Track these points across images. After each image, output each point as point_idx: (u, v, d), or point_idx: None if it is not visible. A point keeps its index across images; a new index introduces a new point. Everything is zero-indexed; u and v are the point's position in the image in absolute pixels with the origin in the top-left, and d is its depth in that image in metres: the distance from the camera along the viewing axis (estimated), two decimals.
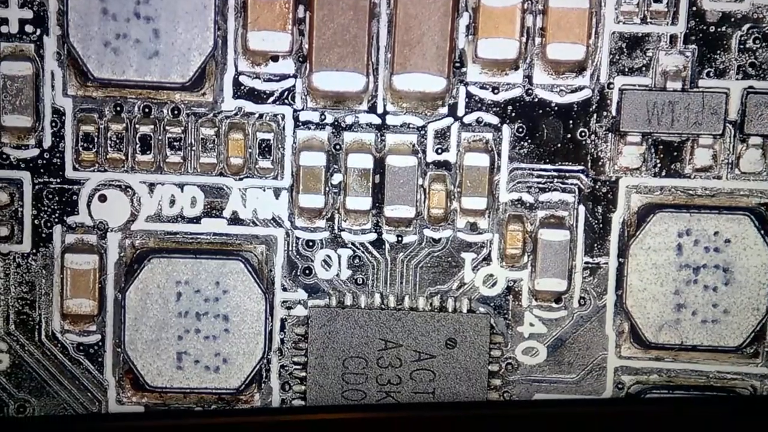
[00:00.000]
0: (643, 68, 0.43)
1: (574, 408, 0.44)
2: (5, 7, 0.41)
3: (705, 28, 0.43)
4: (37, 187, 0.43)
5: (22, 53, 0.41)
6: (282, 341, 0.44)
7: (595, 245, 0.44)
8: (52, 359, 0.44)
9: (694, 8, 0.42)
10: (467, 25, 0.42)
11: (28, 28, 0.42)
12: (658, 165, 0.44)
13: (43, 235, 0.43)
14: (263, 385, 0.43)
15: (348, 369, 0.43)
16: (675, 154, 0.44)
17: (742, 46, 0.43)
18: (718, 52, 0.43)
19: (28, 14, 0.41)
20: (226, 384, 0.44)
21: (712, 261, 0.43)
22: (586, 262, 0.44)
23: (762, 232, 0.42)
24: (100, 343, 0.44)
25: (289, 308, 0.44)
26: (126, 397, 0.43)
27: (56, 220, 0.43)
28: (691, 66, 0.43)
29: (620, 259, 0.44)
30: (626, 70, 0.43)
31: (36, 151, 0.43)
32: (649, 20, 0.43)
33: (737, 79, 0.43)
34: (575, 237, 0.44)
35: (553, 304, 0.44)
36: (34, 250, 0.43)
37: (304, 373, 0.43)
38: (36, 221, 0.43)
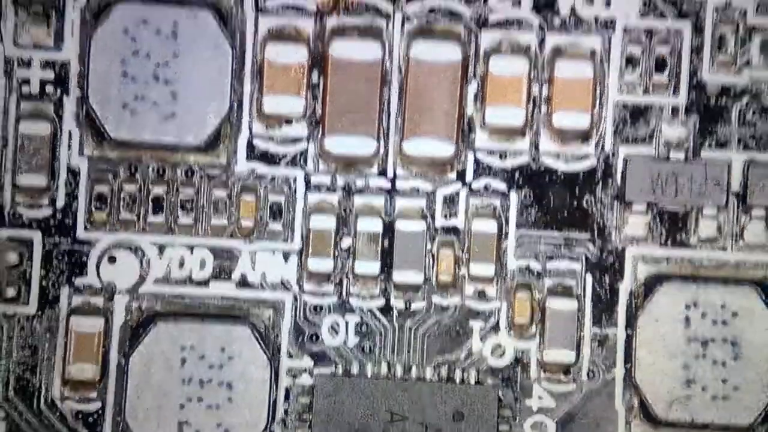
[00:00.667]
0: (647, 138, 0.44)
1: None
2: (28, 68, 0.42)
3: (706, 99, 0.43)
4: (47, 247, 0.42)
5: (41, 113, 0.42)
6: (286, 412, 0.42)
7: (603, 315, 0.44)
8: (50, 428, 0.42)
9: (695, 80, 0.43)
10: (475, 93, 0.43)
11: (49, 89, 0.42)
12: (664, 235, 0.44)
13: (50, 297, 0.42)
14: None
15: None
16: (680, 224, 0.44)
17: (741, 119, 0.44)
18: (719, 124, 0.44)
19: (49, 75, 0.42)
20: None
21: (720, 334, 0.42)
22: (595, 333, 0.43)
23: None
24: (100, 411, 0.42)
25: (294, 376, 0.43)
26: None
27: (64, 281, 0.43)
28: (693, 136, 0.44)
29: (628, 331, 0.43)
30: (630, 139, 0.44)
31: (48, 211, 0.43)
32: (651, 91, 0.44)
33: (738, 150, 0.43)
34: (583, 306, 0.43)
35: (562, 377, 0.43)
36: (40, 312, 0.42)
37: None
38: (44, 282, 0.42)
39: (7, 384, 0.42)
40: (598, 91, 0.42)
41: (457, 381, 0.42)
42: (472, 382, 0.42)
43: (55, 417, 0.42)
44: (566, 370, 0.43)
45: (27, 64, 0.41)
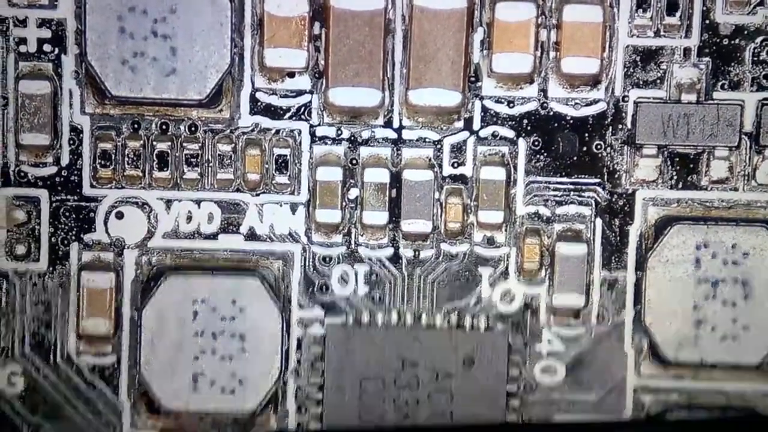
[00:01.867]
0: (658, 81, 0.42)
1: (594, 430, 0.42)
2: (24, 26, 0.40)
3: (718, 41, 0.42)
4: (54, 204, 0.42)
5: (40, 72, 0.40)
6: (298, 361, 0.42)
7: (613, 258, 0.43)
8: (68, 382, 0.42)
9: (707, 21, 0.41)
10: (482, 40, 0.41)
11: (47, 47, 0.41)
12: (675, 177, 0.42)
13: (60, 253, 0.42)
14: (279, 407, 0.41)
15: (365, 390, 0.41)
16: (691, 166, 0.42)
17: (755, 59, 0.42)
18: (732, 64, 0.42)
19: (46, 34, 0.41)
20: (242, 407, 0.42)
21: (730, 274, 0.41)
22: (604, 277, 0.42)
23: None
24: (116, 364, 0.42)
25: (305, 327, 0.42)
26: (141, 421, 0.41)
27: (73, 237, 0.42)
28: (705, 78, 0.42)
29: (638, 273, 0.42)
30: (641, 83, 0.42)
31: (54, 169, 0.42)
32: (662, 33, 0.42)
33: (752, 91, 0.41)
34: (593, 250, 0.42)
35: (572, 320, 0.43)
36: (51, 269, 0.42)
37: (320, 395, 0.41)
38: (53, 239, 0.42)
39: (23, 340, 0.42)
40: (607, 35, 0.40)
41: (467, 327, 0.42)
42: (482, 328, 0.42)
43: (72, 371, 0.42)
44: (576, 314, 0.42)
45: (23, 23, 0.40)
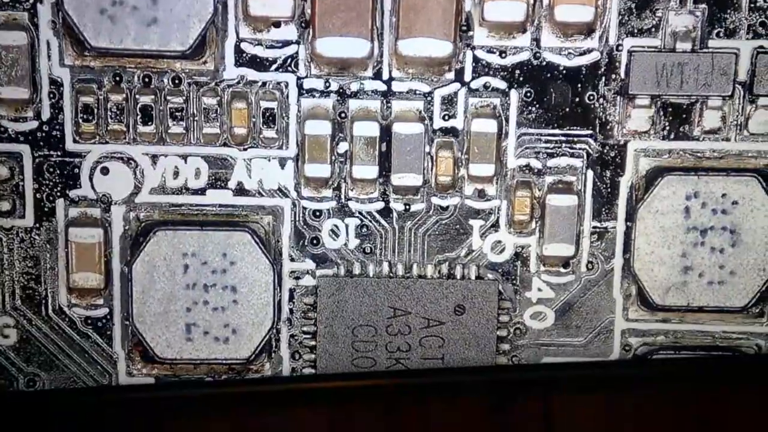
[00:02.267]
0: (653, 29, 0.38)
1: (582, 371, 0.40)
2: None
3: None
4: (37, 160, 0.38)
5: (15, 22, 0.36)
6: (291, 311, 0.39)
7: (603, 210, 0.40)
8: (60, 333, 0.39)
9: None
10: None
11: None
12: (667, 128, 0.39)
13: (46, 209, 0.38)
14: (273, 354, 0.39)
15: (357, 337, 0.39)
16: (684, 116, 0.39)
17: (752, 5, 0.38)
18: (729, 11, 0.38)
19: None
20: (236, 354, 0.39)
21: (719, 223, 0.39)
22: (594, 227, 0.39)
23: None
24: (108, 317, 0.39)
25: (297, 278, 0.39)
26: (136, 369, 0.39)
27: (58, 193, 0.38)
28: (701, 26, 0.38)
29: (628, 223, 0.39)
30: (635, 31, 0.38)
31: (35, 124, 0.38)
32: None
33: (747, 39, 0.37)
34: (583, 202, 0.39)
35: (561, 269, 0.40)
36: (38, 225, 0.38)
37: (313, 342, 0.39)
38: (38, 195, 0.38)
39: (14, 293, 0.38)
40: None
41: (458, 277, 0.39)
42: (473, 277, 0.39)
43: (65, 323, 0.39)
44: (565, 263, 0.40)
45: None
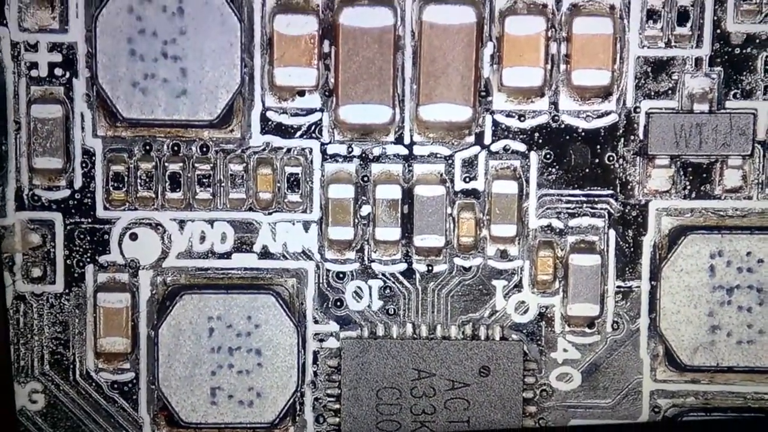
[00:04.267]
0: (669, 91, 0.42)
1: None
2: (35, 51, 0.41)
3: (730, 50, 0.42)
4: (68, 227, 0.43)
5: (51, 96, 0.41)
6: (315, 374, 0.43)
7: (627, 269, 0.43)
8: (87, 398, 0.43)
9: (719, 31, 0.41)
10: (492, 55, 0.41)
11: (58, 72, 0.41)
12: (688, 187, 0.43)
13: (76, 275, 0.43)
14: (297, 418, 0.43)
15: (382, 400, 0.43)
16: (704, 175, 0.43)
17: (767, 67, 0.42)
18: (744, 73, 0.42)
19: (57, 58, 0.41)
20: (261, 418, 0.43)
21: (745, 281, 0.42)
22: (618, 286, 0.43)
23: None
24: (134, 381, 0.43)
25: (321, 341, 0.43)
26: None
27: (88, 259, 0.43)
28: (717, 88, 0.42)
29: (652, 282, 0.43)
30: (652, 93, 0.43)
31: (67, 192, 0.42)
32: (673, 44, 0.42)
33: (765, 99, 0.42)
34: (606, 261, 0.43)
35: (586, 329, 0.43)
36: (67, 290, 0.43)
37: (338, 405, 0.42)
38: (68, 261, 0.43)
39: (42, 359, 0.43)
40: (618, 47, 0.41)
41: (482, 338, 0.43)
42: (497, 338, 0.43)
43: (91, 387, 0.43)
44: (590, 323, 0.43)
45: (34, 47, 0.40)
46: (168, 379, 0.43)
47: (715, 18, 0.41)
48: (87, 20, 0.40)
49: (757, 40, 0.41)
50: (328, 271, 0.43)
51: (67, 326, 0.43)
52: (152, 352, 0.42)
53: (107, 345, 0.42)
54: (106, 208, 0.42)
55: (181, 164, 0.42)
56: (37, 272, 0.43)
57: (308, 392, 0.43)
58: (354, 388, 0.42)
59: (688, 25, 0.41)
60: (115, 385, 0.43)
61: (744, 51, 0.42)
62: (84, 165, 0.43)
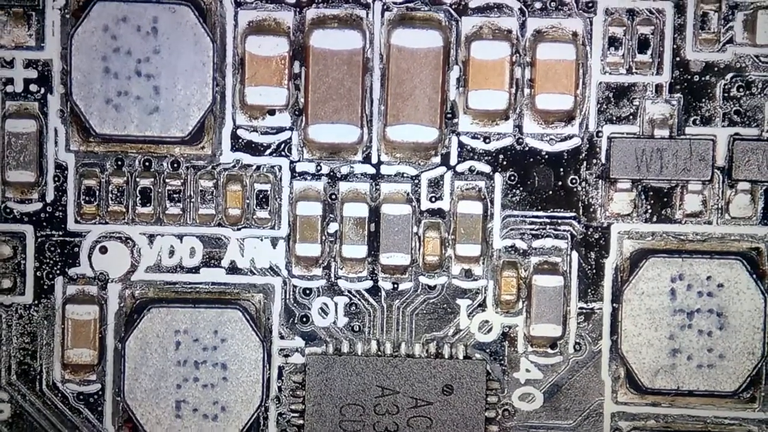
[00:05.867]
0: (631, 117, 0.46)
1: None
2: (11, 67, 0.44)
3: (689, 77, 0.45)
4: (39, 240, 0.45)
5: (26, 111, 0.44)
6: (279, 389, 0.46)
7: (589, 291, 0.46)
8: (53, 409, 0.45)
9: (678, 59, 0.45)
10: (458, 78, 0.45)
11: (33, 87, 0.44)
12: (649, 211, 0.46)
13: (45, 287, 0.46)
14: None
15: (345, 416, 0.45)
16: (665, 200, 0.46)
17: (726, 95, 0.45)
18: (704, 100, 0.45)
19: (32, 74, 0.44)
20: None
21: (705, 305, 0.44)
22: (581, 308, 0.46)
23: (754, 276, 0.44)
24: (100, 392, 0.45)
25: (286, 356, 0.46)
26: None
27: (58, 271, 0.46)
28: (677, 114, 0.45)
29: (614, 305, 0.45)
30: (614, 118, 0.46)
31: (39, 205, 0.45)
32: (634, 71, 0.45)
33: (723, 126, 0.45)
34: (569, 283, 0.46)
35: (549, 350, 0.46)
36: (36, 302, 0.45)
37: (301, 421, 0.45)
38: (38, 273, 0.45)
39: (10, 369, 0.45)
40: (580, 73, 0.44)
41: (446, 356, 0.45)
42: (461, 357, 0.46)
43: (57, 398, 0.46)
44: (553, 344, 0.46)
45: (10, 63, 0.43)
46: (133, 392, 0.45)
47: (675, 46, 0.44)
48: (63, 38, 0.43)
49: (716, 68, 0.44)
50: (294, 287, 0.46)
51: (35, 337, 0.45)
52: (119, 365, 0.45)
53: (74, 356, 0.45)
54: (77, 222, 0.45)
55: (152, 179, 0.45)
56: (7, 283, 0.45)
57: (272, 407, 0.45)
58: (318, 404, 0.44)
59: (649, 52, 0.44)
60: (81, 397, 0.45)
61: (703, 78, 0.45)
62: (56, 179, 0.45)
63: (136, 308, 0.44)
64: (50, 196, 0.44)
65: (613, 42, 0.43)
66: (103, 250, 0.44)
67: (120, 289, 0.44)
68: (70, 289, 0.44)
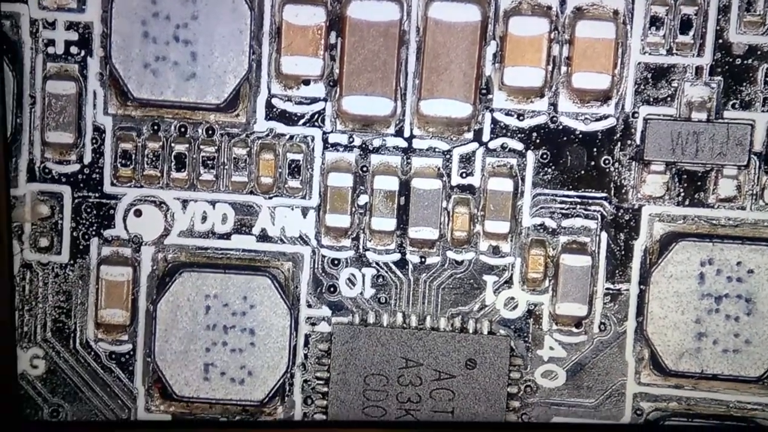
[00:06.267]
0: (668, 98, 0.45)
1: None
2: (52, 29, 0.44)
3: (731, 60, 0.45)
4: (76, 200, 0.46)
5: (66, 73, 0.45)
6: (306, 356, 0.46)
7: (617, 272, 0.46)
8: (86, 366, 0.46)
9: (721, 41, 0.44)
10: (494, 53, 0.44)
11: (73, 50, 0.45)
12: (682, 194, 0.45)
13: (81, 247, 0.46)
14: (286, 398, 0.46)
15: (369, 386, 0.45)
16: (699, 183, 0.45)
17: (767, 79, 0.44)
18: (744, 84, 0.45)
19: (73, 36, 0.45)
20: (251, 396, 0.46)
21: (734, 291, 0.44)
22: (607, 288, 0.46)
23: None
24: (131, 353, 0.46)
25: (313, 324, 0.46)
26: (154, 405, 0.46)
27: (93, 232, 0.46)
28: (716, 97, 0.45)
29: (641, 287, 0.45)
30: (651, 100, 0.45)
31: (77, 167, 0.46)
32: (675, 51, 0.45)
33: (763, 111, 0.44)
34: (597, 263, 0.46)
35: (574, 329, 0.46)
36: (72, 261, 0.46)
37: (326, 389, 0.45)
38: (74, 233, 0.46)
39: (45, 326, 0.46)
40: (619, 52, 0.44)
41: (471, 331, 0.46)
42: (485, 332, 0.46)
43: (90, 356, 0.47)
44: (578, 323, 0.46)
45: (51, 25, 0.44)
46: (163, 353, 0.46)
47: (718, 28, 0.44)
48: (104, 1, 0.44)
49: (759, 52, 0.44)
50: (323, 257, 0.46)
51: (70, 296, 0.46)
52: (150, 326, 0.46)
53: (107, 316, 0.46)
54: (113, 184, 0.46)
55: (187, 145, 0.46)
56: (44, 242, 0.46)
57: (298, 374, 0.46)
58: (342, 373, 0.45)
59: (691, 33, 0.44)
60: (113, 356, 0.46)
61: (745, 62, 0.44)
62: (94, 141, 0.46)
63: (168, 271, 0.45)
64: (88, 158, 0.44)
65: (654, 21, 0.42)
66: (138, 213, 0.45)
67: (153, 252, 0.45)
68: (104, 250, 0.45)
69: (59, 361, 0.45)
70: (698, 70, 0.43)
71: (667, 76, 0.43)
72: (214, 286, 0.44)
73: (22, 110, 0.43)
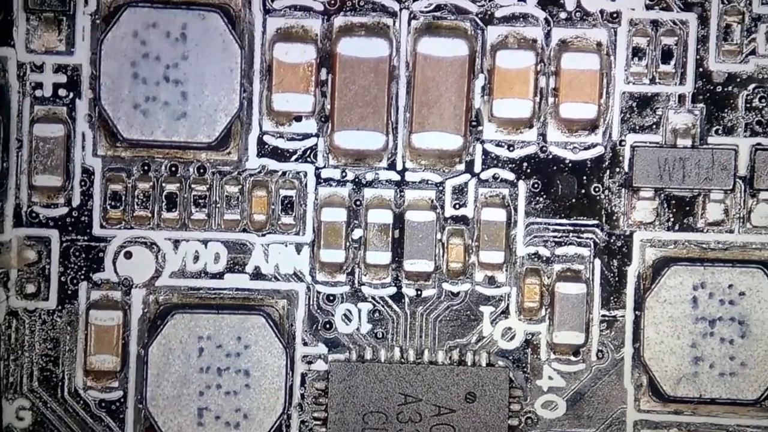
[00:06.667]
0: (654, 126, 0.46)
1: None
2: (40, 72, 0.44)
3: (712, 88, 0.46)
4: (65, 244, 0.46)
5: (54, 116, 0.44)
6: (302, 396, 0.46)
7: (612, 298, 0.46)
8: (74, 416, 0.45)
9: (701, 69, 0.45)
10: (483, 86, 0.45)
11: (62, 92, 0.45)
12: (671, 219, 0.46)
13: (69, 292, 0.46)
14: None
15: (368, 424, 0.45)
16: (687, 208, 0.46)
17: (748, 105, 0.46)
18: (726, 110, 0.46)
19: (62, 79, 0.45)
20: None
21: (727, 314, 0.44)
22: (603, 315, 0.46)
23: None
24: (122, 399, 0.45)
25: (309, 363, 0.46)
26: None
27: (82, 276, 0.46)
28: (700, 124, 0.46)
29: (636, 312, 0.46)
30: (637, 127, 0.46)
31: (65, 210, 0.46)
32: (657, 81, 0.46)
33: (745, 136, 0.45)
34: (592, 290, 0.46)
35: (572, 357, 0.46)
36: (60, 307, 0.46)
37: (324, 429, 0.45)
38: (62, 278, 0.46)
39: (32, 375, 0.45)
40: (604, 82, 0.45)
41: (469, 363, 0.46)
42: (484, 364, 0.46)
43: (79, 405, 0.46)
44: (576, 351, 0.46)
45: (39, 68, 0.44)
46: (156, 399, 0.45)
47: (698, 57, 0.45)
48: (93, 43, 0.44)
49: (738, 79, 0.45)
50: (318, 293, 0.46)
51: (58, 343, 0.45)
52: (141, 371, 0.45)
53: (97, 363, 0.45)
54: (102, 226, 0.45)
55: (178, 185, 0.46)
56: (31, 288, 0.45)
57: (295, 415, 0.45)
58: (341, 412, 0.44)
59: (672, 63, 0.45)
60: (103, 404, 0.45)
61: (725, 89, 0.46)
62: (83, 183, 0.46)
63: (159, 314, 0.44)
64: (76, 201, 0.44)
65: (636, 52, 0.44)
66: (128, 256, 0.44)
67: (144, 294, 0.44)
68: (94, 294, 0.44)
69: (46, 412, 0.44)
70: (681, 98, 0.44)
71: (652, 105, 0.44)
72: (207, 327, 0.44)
73: (9, 154, 0.43)
